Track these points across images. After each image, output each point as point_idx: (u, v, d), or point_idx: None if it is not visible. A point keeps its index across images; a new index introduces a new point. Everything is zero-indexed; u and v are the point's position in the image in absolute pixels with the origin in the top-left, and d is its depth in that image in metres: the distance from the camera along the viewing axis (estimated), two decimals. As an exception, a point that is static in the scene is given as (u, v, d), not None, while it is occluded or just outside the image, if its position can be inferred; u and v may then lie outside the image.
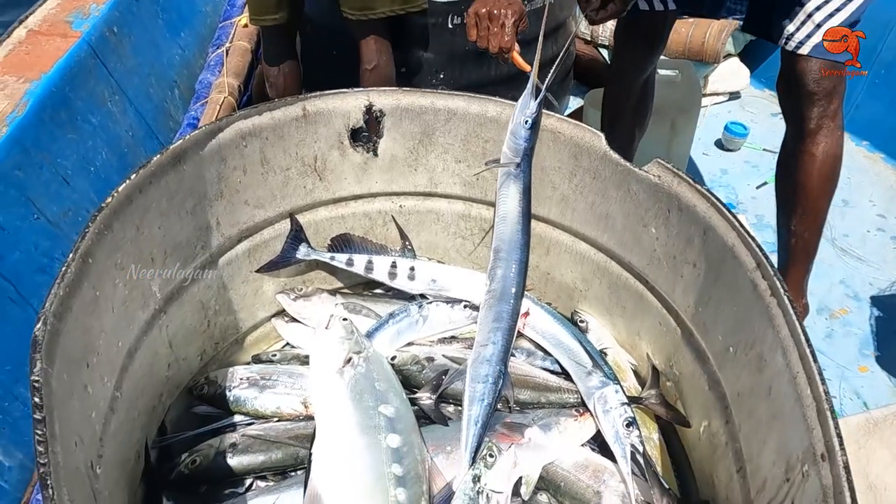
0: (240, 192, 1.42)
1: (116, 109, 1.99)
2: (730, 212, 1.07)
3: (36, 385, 0.72)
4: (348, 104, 1.50)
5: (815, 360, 0.82)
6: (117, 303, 1.07)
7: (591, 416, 1.38)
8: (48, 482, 0.64)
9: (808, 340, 0.84)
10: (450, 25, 2.29)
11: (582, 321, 1.65)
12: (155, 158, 1.14)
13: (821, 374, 0.81)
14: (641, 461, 1.27)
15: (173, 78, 2.47)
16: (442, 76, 2.38)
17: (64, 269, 0.86)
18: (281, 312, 1.69)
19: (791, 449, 0.84)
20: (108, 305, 1.03)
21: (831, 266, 2.24)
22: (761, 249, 0.99)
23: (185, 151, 1.22)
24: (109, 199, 1.00)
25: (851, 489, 0.70)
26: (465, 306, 1.63)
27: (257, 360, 1.64)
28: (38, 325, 0.78)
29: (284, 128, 1.44)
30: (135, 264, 1.12)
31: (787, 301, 0.90)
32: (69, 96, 1.79)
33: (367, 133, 1.53)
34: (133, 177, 1.07)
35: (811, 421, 0.80)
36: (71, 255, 0.88)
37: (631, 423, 1.32)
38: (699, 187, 1.15)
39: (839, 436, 0.74)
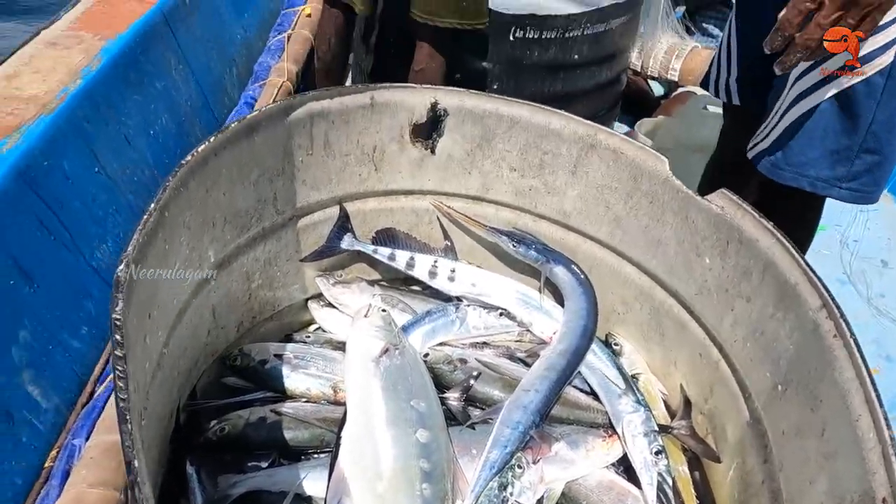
0: (300, 171, 1.43)
1: (179, 78, 2.03)
2: (796, 249, 1.07)
3: (118, 323, 0.73)
4: (415, 99, 1.51)
5: (882, 405, 0.81)
6: (180, 260, 1.08)
7: (619, 439, 1.37)
8: (127, 417, 0.65)
9: (873, 384, 0.84)
10: (511, 38, 2.31)
11: (616, 344, 1.64)
12: (232, 125, 1.16)
13: (887, 419, 0.80)
14: (669, 492, 1.26)
15: (233, 56, 2.51)
16: (496, 87, 2.40)
17: (146, 217, 0.87)
18: (317, 296, 1.69)
19: (844, 490, 0.83)
20: (174, 261, 1.04)
21: (866, 325, 2.22)
22: (827, 290, 0.99)
23: (259, 123, 1.24)
24: (190, 158, 1.02)
25: (916, 536, 0.69)
26: (501, 314, 1.63)
27: (290, 339, 1.64)
28: (120, 267, 0.79)
29: (351, 114, 1.46)
30: (199, 225, 1.14)
31: (853, 343, 0.89)
32: (140, 59, 1.82)
33: (428, 130, 1.55)
34: (212, 139, 1.09)
35: (872, 464, 0.79)
36: (153, 205, 0.89)
37: (660, 452, 1.31)
38: (764, 222, 1.15)
39: (904, 482, 0.73)
